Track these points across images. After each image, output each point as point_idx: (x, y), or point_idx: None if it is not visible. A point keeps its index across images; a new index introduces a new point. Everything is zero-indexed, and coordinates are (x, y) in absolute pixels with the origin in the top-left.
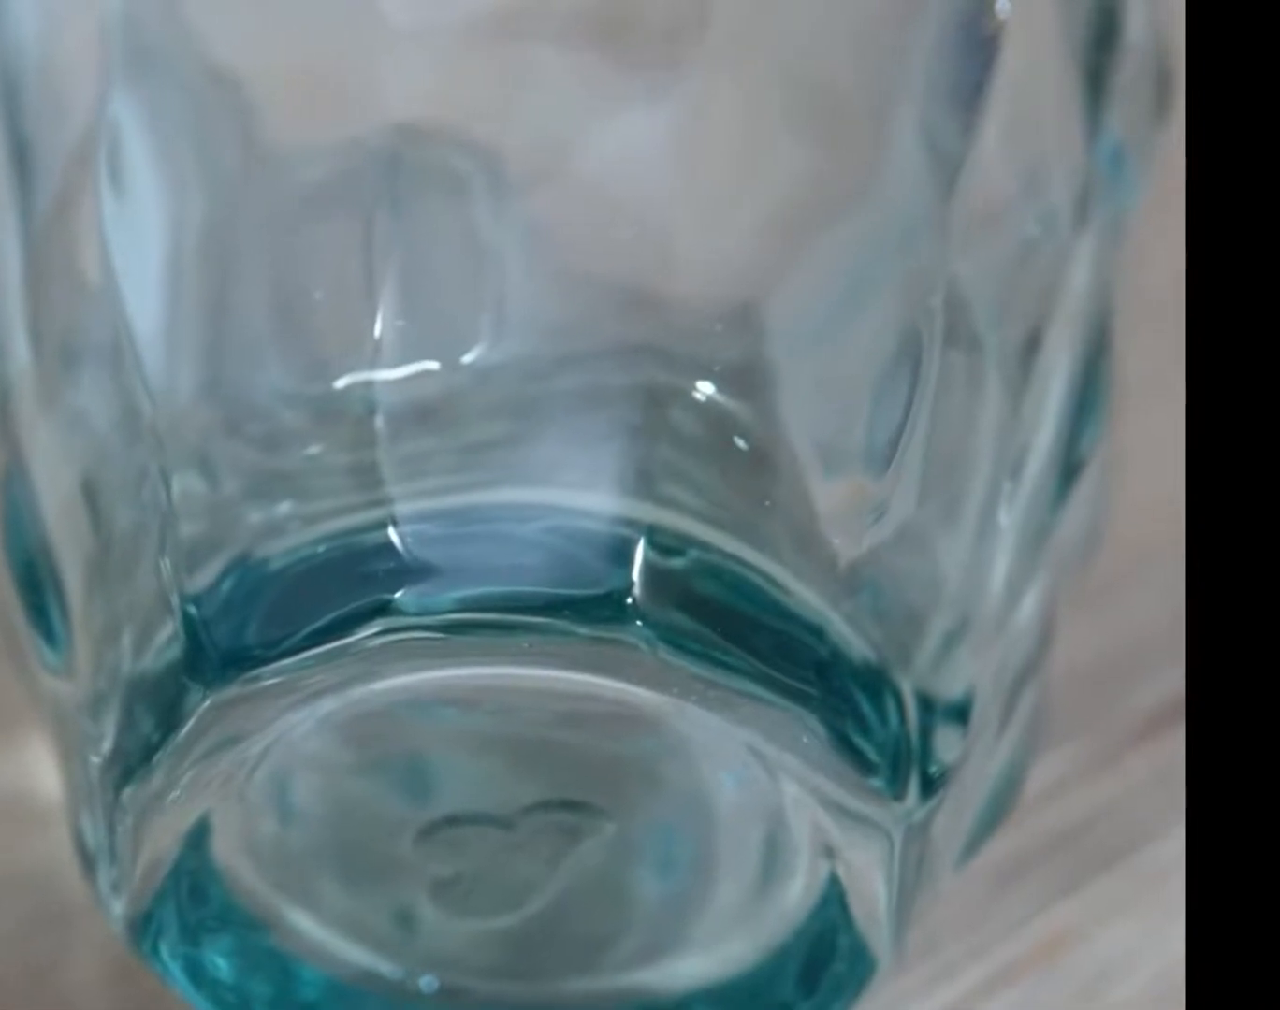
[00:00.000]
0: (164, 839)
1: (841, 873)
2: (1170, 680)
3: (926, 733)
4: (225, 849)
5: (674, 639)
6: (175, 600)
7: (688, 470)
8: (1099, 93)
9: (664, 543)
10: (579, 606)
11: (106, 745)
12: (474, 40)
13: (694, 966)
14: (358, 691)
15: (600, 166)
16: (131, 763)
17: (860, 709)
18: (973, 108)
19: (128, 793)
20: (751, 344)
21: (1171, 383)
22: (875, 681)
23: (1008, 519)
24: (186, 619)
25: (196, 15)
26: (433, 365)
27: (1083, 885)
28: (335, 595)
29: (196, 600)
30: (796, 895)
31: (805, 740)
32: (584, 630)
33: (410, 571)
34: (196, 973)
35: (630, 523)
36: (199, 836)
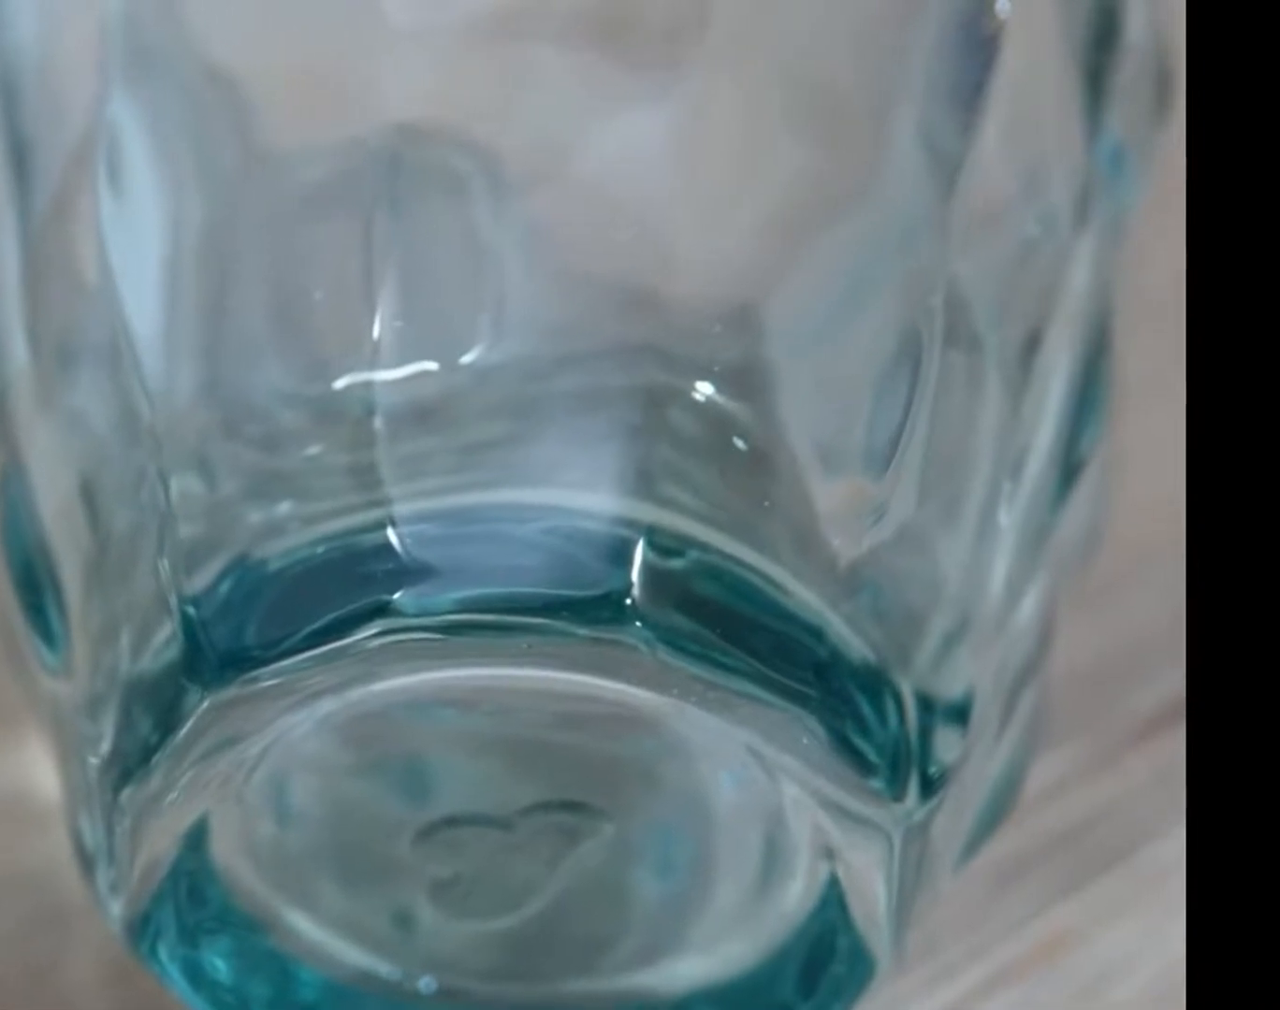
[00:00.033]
0: (162, 840)
1: (841, 874)
2: (1170, 681)
3: (926, 733)
4: (224, 850)
5: (673, 640)
6: (174, 601)
7: (687, 471)
8: (1099, 93)
9: (663, 543)
10: (578, 607)
11: (105, 746)
12: (474, 40)
13: (693, 967)
14: (356, 692)
15: (600, 167)
16: (130, 764)
17: (860, 710)
18: (972, 108)
19: (126, 794)
20: (751, 344)
21: (1171, 383)
22: (875, 682)
23: (1008, 519)
24: (185, 620)
25: (195, 15)
26: (432, 366)
27: (1083, 886)
28: (334, 596)
29: (195, 601)
30: (796, 896)
31: (805, 741)
32: (583, 631)
33: (409, 572)
34: (195, 974)
35: (629, 523)
36: (197, 837)
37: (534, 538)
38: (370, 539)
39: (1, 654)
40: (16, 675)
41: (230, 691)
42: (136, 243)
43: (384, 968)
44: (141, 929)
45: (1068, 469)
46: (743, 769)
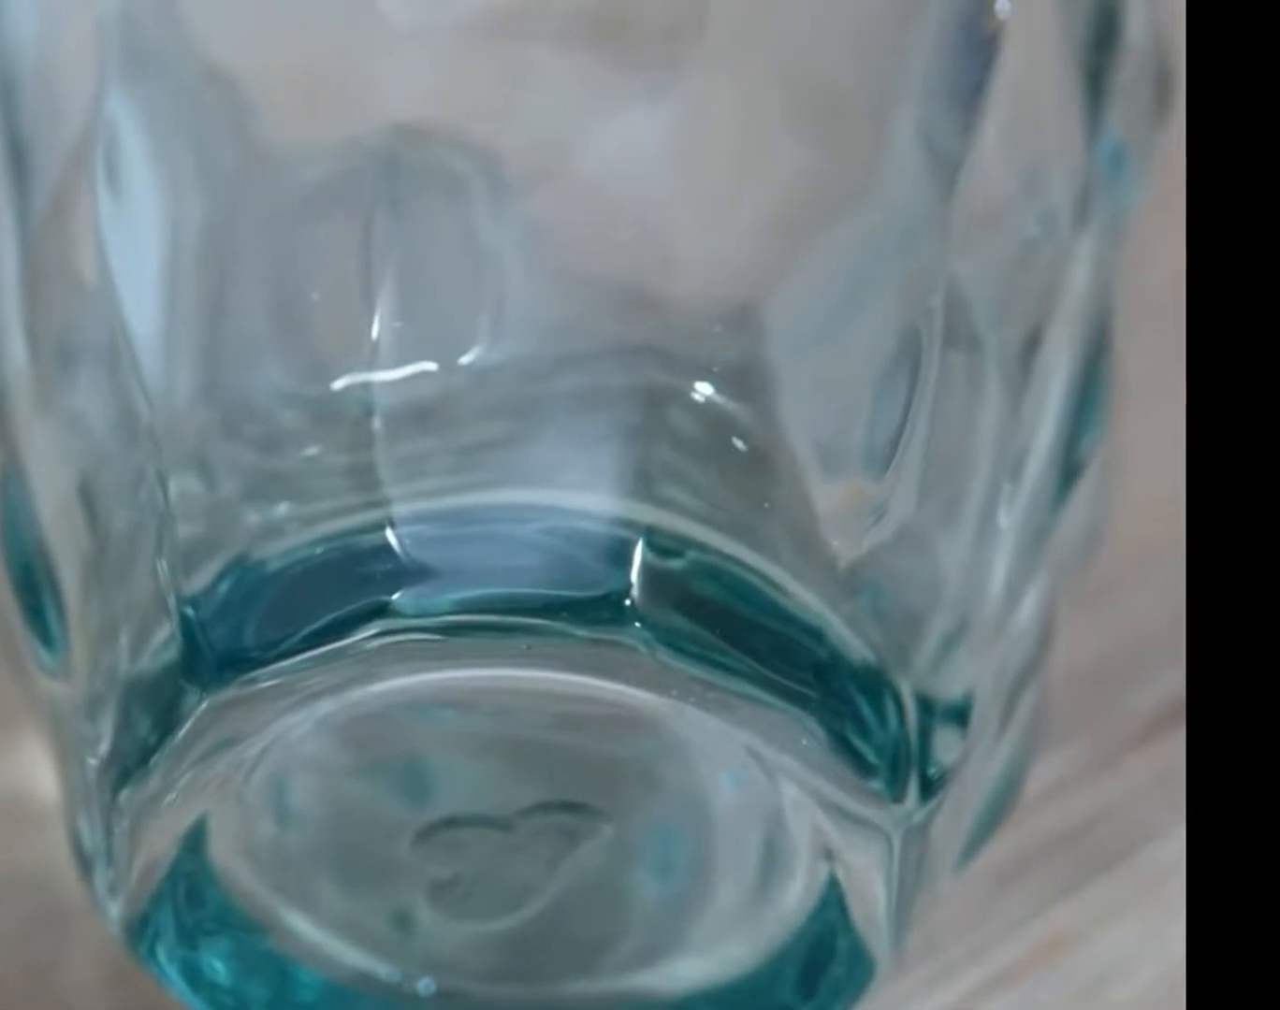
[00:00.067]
0: (161, 841)
1: (841, 875)
2: (1170, 681)
3: (926, 734)
4: (222, 851)
5: (673, 641)
6: (172, 602)
7: (687, 471)
8: (1099, 93)
9: (663, 544)
10: (577, 608)
11: (103, 747)
12: (473, 40)
13: (693, 969)
14: (355, 693)
15: (599, 167)
16: (128, 764)
17: (859, 711)
18: (972, 107)
19: (125, 794)
20: (751, 345)
21: (1171, 383)
22: (874, 683)
23: (1007, 520)
24: (184, 620)
25: (194, 15)
26: (431, 366)
27: (1082, 887)
28: (333, 597)
29: (194, 602)
30: (795, 897)
31: (804, 742)
32: (582, 632)
33: (408, 573)
34: (193, 975)
35: (629, 524)
36: (196, 838)
37: (533, 538)
38: (369, 540)
39: (0, 655)
40: (15, 676)
41: (229, 692)
42: (135, 243)
43: (383, 969)
44: (140, 930)
45: (1068, 469)
46: (742, 770)
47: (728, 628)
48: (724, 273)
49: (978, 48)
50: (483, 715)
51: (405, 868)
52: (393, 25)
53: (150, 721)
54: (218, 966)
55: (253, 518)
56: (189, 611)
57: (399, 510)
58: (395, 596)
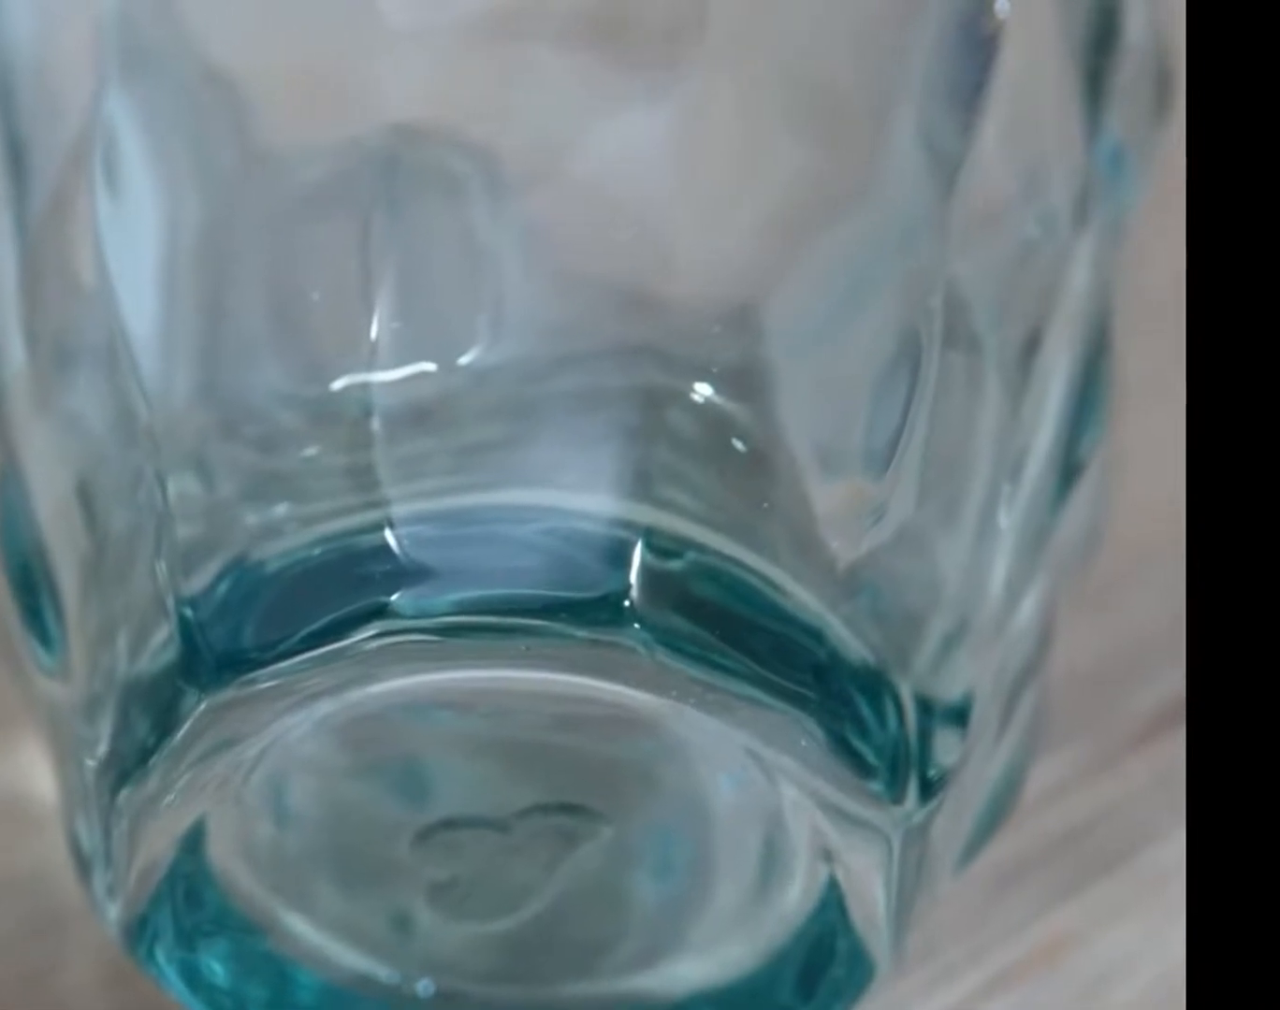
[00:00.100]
0: (159, 842)
1: (840, 876)
2: (1170, 682)
3: (925, 736)
4: (221, 852)
5: (672, 641)
6: (171, 603)
7: (686, 472)
8: (1098, 93)
9: (662, 545)
10: (576, 609)
11: (102, 748)
12: (472, 40)
13: (692, 970)
14: (354, 694)
15: (599, 167)
16: (127, 766)
17: (859, 712)
18: (972, 108)
19: (123, 796)
20: (750, 345)
21: (1171, 383)
22: (874, 684)
23: (1007, 520)
24: (182, 621)
25: (192, 15)
26: (429, 367)
27: (1082, 888)
28: (331, 598)
29: (192, 603)
30: (795, 899)
31: (804, 743)
32: (581, 633)
33: (407, 574)
34: (192, 977)
35: (628, 525)
36: (194, 840)
37: (532, 539)
38: (368, 540)
39: None
40: (14, 677)
41: (228, 693)
42: (133, 243)
43: (382, 970)
44: (139, 932)
45: (1067, 470)
46: (741, 771)
47: (727, 629)
48: (723, 273)
49: (977, 48)
50: (481, 716)
51: (404, 869)
52: (391, 25)
53: (149, 722)
54: (216, 968)
55: (251, 518)
56: (187, 612)
57: (398, 511)
58: (394, 597)
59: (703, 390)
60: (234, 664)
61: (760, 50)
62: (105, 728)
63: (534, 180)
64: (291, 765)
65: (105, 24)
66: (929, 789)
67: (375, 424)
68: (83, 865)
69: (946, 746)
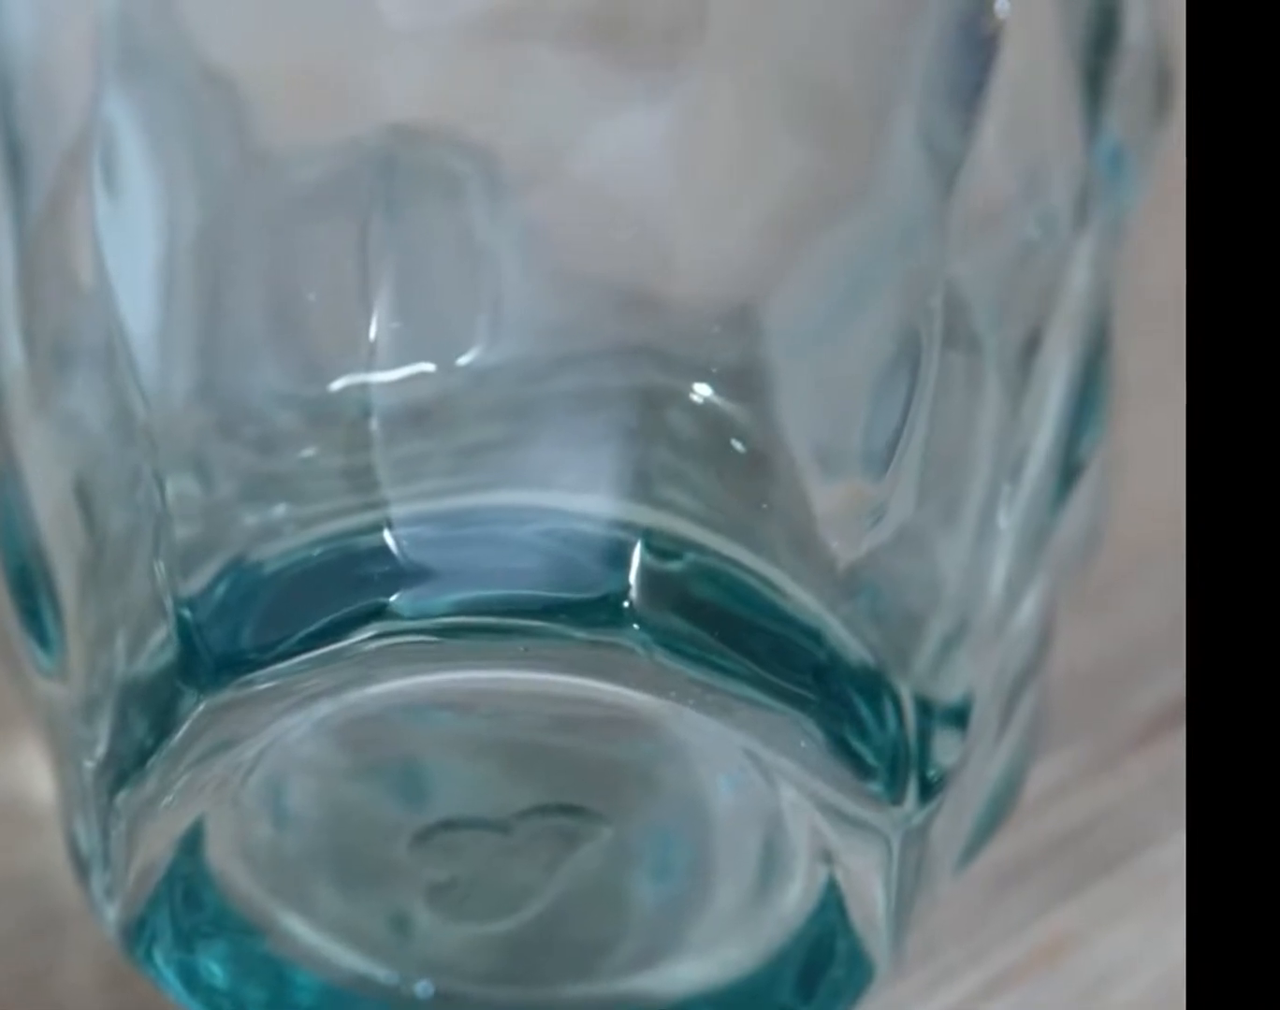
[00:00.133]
0: (158, 844)
1: (840, 877)
2: (1170, 682)
3: (925, 736)
4: (219, 854)
5: (671, 642)
6: (169, 603)
7: (685, 473)
8: (1098, 93)
9: (661, 546)
10: (575, 610)
11: (100, 749)
12: (471, 40)
13: (691, 971)
14: (353, 695)
15: (598, 167)
16: (125, 767)
17: (858, 713)
18: (972, 108)
19: (121, 797)
20: (749, 345)
21: (1171, 383)
22: (873, 685)
23: (1007, 521)
24: (180, 622)
25: (191, 15)
26: (428, 367)
27: (1082, 889)
28: (330, 599)
29: (191, 603)
30: (794, 900)
31: (803, 744)
32: (580, 634)
33: (406, 575)
34: (190, 978)
35: (627, 526)
36: (193, 841)
37: (531, 540)
38: (367, 541)
39: None
40: (12, 678)
41: (226, 694)
42: (132, 243)
43: (381, 971)
44: (137, 933)
45: (1067, 470)
46: (741, 772)
47: (726, 630)
48: (723, 273)
49: (977, 48)
50: (480, 717)
51: (403, 870)
52: (391, 25)
53: (147, 723)
54: (215, 969)
55: (250, 519)
56: (186, 613)
57: (397, 512)
58: (393, 598)
59: (702, 391)
60: (232, 665)
61: (760, 50)
62: (103, 729)
63: (533, 180)
64: (290, 766)
65: (104, 24)
66: (928, 790)
67: (374, 424)
68: (81, 866)
69: (946, 747)
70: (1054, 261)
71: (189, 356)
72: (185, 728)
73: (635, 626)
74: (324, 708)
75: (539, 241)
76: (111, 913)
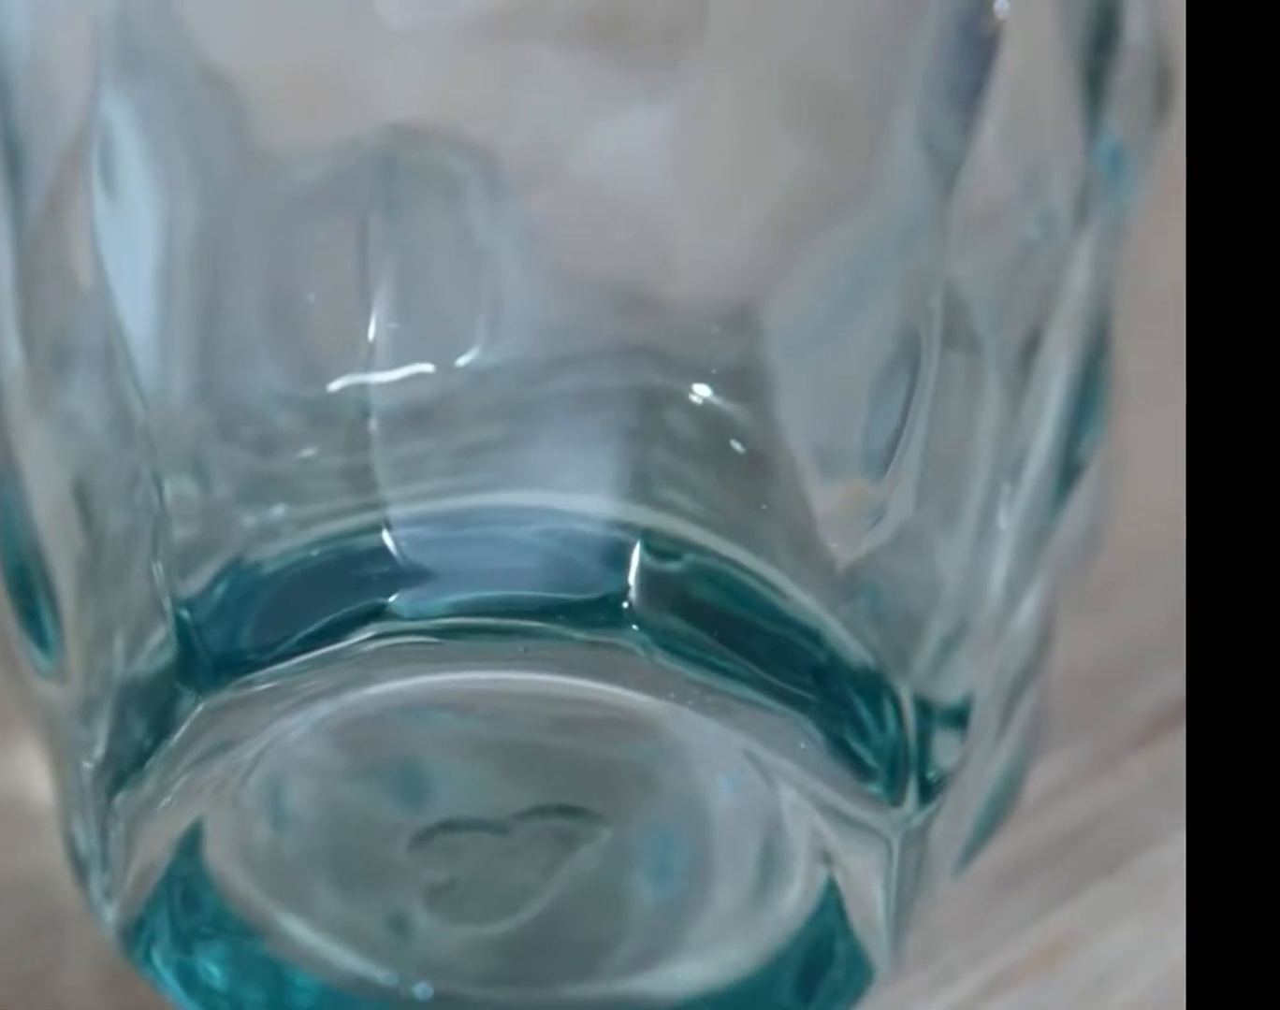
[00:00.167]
0: (156, 845)
1: (839, 878)
2: (1170, 683)
3: (925, 738)
4: (218, 855)
5: (670, 643)
6: (168, 604)
7: (684, 473)
8: (1098, 93)
9: (660, 547)
10: (574, 611)
11: (98, 750)
12: (471, 40)
13: (691, 973)
14: (352, 696)
15: (598, 167)
16: (124, 768)
17: (858, 714)
18: (972, 107)
19: (120, 798)
20: (749, 346)
21: (1171, 383)
22: (873, 686)
23: (1007, 521)
24: (179, 623)
25: (190, 15)
26: (427, 368)
27: (1082, 890)
28: (329, 599)
29: (189, 604)
30: (794, 901)
31: (803, 745)
32: (579, 635)
33: (405, 575)
34: (189, 980)
35: (626, 526)
36: (192, 842)
37: (530, 541)
38: (365, 542)
39: None
40: (10, 679)
41: (225, 695)
42: (130, 243)
43: (380, 973)
44: (136, 934)
45: (1067, 470)
46: (740, 773)
47: (725, 630)
48: (722, 273)
49: (977, 48)
50: (479, 718)
51: (402, 871)
52: (390, 25)
53: (145, 725)
54: (213, 971)
55: (248, 520)
56: (184, 614)
57: (396, 512)
58: (392, 599)
59: (701, 391)
60: (231, 666)
61: (760, 50)
62: (102, 730)
63: (533, 180)
64: (289, 767)
65: (103, 23)
66: (928, 791)
67: (373, 425)
68: (80, 867)
69: (946, 748)
70: (1054, 261)
71: (188, 357)
72: (184, 729)
73: (634, 627)
74: (323, 708)
75: (539, 242)
76: (110, 914)
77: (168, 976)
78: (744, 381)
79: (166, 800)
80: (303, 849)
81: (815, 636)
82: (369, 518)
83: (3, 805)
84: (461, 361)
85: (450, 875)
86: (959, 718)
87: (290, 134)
